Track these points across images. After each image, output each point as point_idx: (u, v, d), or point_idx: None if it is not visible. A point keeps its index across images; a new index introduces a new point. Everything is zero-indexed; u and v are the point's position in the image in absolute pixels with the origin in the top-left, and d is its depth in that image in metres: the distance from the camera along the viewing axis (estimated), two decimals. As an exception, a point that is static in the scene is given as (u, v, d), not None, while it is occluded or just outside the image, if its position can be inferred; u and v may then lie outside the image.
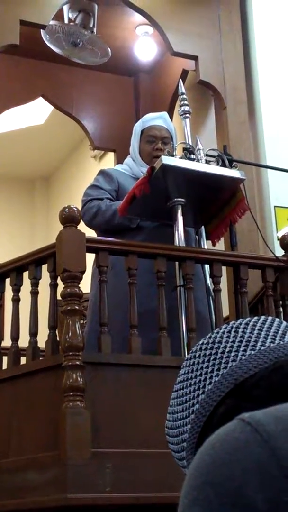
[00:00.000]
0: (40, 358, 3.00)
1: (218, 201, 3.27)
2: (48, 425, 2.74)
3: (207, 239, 3.38)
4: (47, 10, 4.27)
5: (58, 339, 2.91)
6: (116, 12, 4.95)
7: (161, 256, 3.01)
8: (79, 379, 2.61)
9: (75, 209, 2.87)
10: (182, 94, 3.41)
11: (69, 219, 2.83)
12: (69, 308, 2.71)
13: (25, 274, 3.07)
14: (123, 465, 2.63)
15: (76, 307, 2.73)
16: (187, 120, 3.41)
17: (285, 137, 4.54)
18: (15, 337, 3.01)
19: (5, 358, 3.09)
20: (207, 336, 0.72)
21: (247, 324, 0.71)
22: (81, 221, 2.98)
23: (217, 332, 0.72)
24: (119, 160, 4.75)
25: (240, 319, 0.72)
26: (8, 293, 3.10)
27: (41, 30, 4.44)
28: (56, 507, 2.57)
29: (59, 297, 2.87)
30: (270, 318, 0.72)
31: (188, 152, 3.15)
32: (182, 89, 3.43)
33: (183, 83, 3.56)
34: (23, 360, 3.07)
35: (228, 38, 4.63)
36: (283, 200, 4.40)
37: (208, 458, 0.52)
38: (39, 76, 5.34)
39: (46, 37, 4.50)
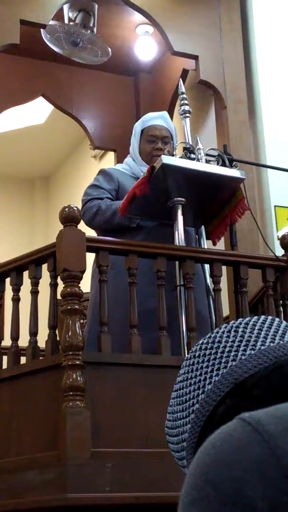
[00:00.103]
0: (40, 358, 3.00)
1: (218, 201, 3.27)
2: (48, 424, 2.74)
3: (207, 238, 3.37)
4: (47, 10, 4.27)
5: (58, 338, 2.91)
6: (116, 12, 4.95)
7: (161, 255, 3.01)
8: (79, 378, 2.61)
9: (75, 208, 2.87)
10: (182, 93, 3.41)
11: (69, 218, 2.83)
12: (69, 307, 2.71)
13: (25, 274, 3.07)
14: (123, 465, 2.63)
15: (76, 306, 2.73)
16: (187, 119, 3.41)
17: (285, 137, 4.54)
18: (15, 336, 3.01)
19: (5, 358, 3.09)
20: (207, 336, 0.72)
21: (247, 323, 0.71)
22: (81, 220, 2.98)
23: (217, 332, 0.72)
24: (119, 159, 4.75)
25: (240, 319, 0.72)
26: (8, 292, 3.10)
27: (41, 30, 4.44)
28: (56, 507, 2.57)
29: (59, 297, 2.87)
30: (270, 317, 0.72)
31: (188, 152, 3.15)
32: (182, 88, 3.43)
33: (183, 83, 3.56)
34: (23, 360, 3.07)
35: (229, 37, 4.62)
36: (283, 200, 4.40)
37: (208, 458, 0.52)
38: (39, 75, 5.34)
39: (46, 37, 4.50)
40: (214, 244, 3.41)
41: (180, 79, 3.76)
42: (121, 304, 3.00)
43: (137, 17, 4.82)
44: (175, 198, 3.14)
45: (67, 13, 4.60)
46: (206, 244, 3.38)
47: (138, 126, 3.49)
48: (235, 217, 3.30)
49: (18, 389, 2.95)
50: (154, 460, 2.64)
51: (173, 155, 3.08)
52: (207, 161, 3.17)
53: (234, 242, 3.47)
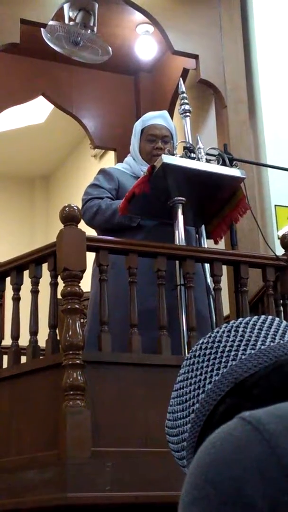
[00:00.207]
0: (40, 357, 3.01)
1: (219, 200, 3.27)
2: (48, 424, 2.74)
3: (207, 238, 3.37)
4: (48, 9, 4.27)
5: (58, 338, 2.91)
6: (117, 11, 4.95)
7: (162, 255, 3.01)
8: (79, 378, 2.61)
9: (75, 208, 2.87)
10: (183, 93, 3.41)
11: (69, 218, 2.83)
12: (69, 307, 2.71)
13: (26, 273, 3.07)
14: (123, 464, 2.63)
15: (77, 306, 2.73)
16: (188, 119, 3.41)
17: (285, 136, 4.54)
18: (15, 336, 3.01)
19: (5, 357, 3.09)
20: (207, 336, 0.72)
21: (247, 323, 0.71)
22: (81, 220, 2.98)
23: (217, 332, 0.72)
24: (120, 159, 4.75)
25: (240, 319, 0.72)
26: (9, 292, 3.10)
27: (42, 29, 4.44)
28: (56, 506, 2.57)
29: (59, 296, 2.87)
30: (270, 317, 0.72)
31: (189, 151, 3.15)
32: (183, 87, 3.43)
33: (184, 82, 3.56)
34: (23, 359, 3.07)
35: (229, 37, 4.62)
36: (283, 199, 4.40)
37: (208, 457, 0.52)
38: (39, 75, 5.34)
39: (46, 36, 4.50)
40: (216, 243, 3.41)
41: (181, 78, 3.76)
42: (121, 304, 3.00)
43: (138, 16, 4.82)
44: (175, 198, 3.14)
45: (67, 12, 4.60)
46: (207, 243, 3.38)
47: (138, 126, 3.49)
48: (237, 217, 3.30)
49: (18, 388, 2.95)
50: (154, 460, 2.64)
51: (173, 155, 3.08)
52: (208, 161, 3.18)
53: (234, 242, 3.47)
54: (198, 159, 3.14)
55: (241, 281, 3.22)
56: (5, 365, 3.08)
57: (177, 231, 3.12)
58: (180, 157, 3.10)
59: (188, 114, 3.41)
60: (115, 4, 4.77)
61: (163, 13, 4.51)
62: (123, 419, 2.76)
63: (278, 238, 3.82)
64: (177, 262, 3.09)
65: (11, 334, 3.03)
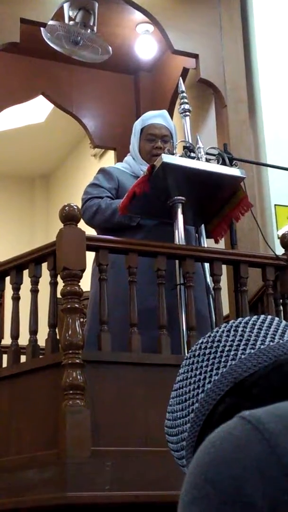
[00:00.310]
0: (40, 356, 3.01)
1: (219, 200, 3.27)
2: (48, 423, 2.74)
3: (207, 237, 3.37)
4: (48, 8, 4.26)
5: (58, 337, 2.91)
6: (117, 10, 4.94)
7: (161, 254, 3.01)
8: (79, 377, 2.61)
9: (75, 207, 2.87)
10: (182, 92, 3.41)
11: (69, 217, 2.83)
12: (69, 306, 2.71)
13: (25, 273, 3.07)
14: (123, 464, 2.63)
15: (76, 305, 2.73)
16: (187, 118, 3.41)
17: (285, 136, 4.54)
18: (15, 335, 3.01)
19: (5, 356, 3.09)
20: (207, 335, 0.72)
21: (246, 323, 0.71)
22: (81, 219, 2.98)
23: (217, 331, 0.72)
24: (119, 158, 4.75)
25: (240, 318, 0.72)
26: (8, 291, 3.10)
27: (42, 28, 4.43)
28: (55, 506, 2.57)
29: (59, 296, 2.87)
30: (269, 317, 0.72)
31: (188, 151, 3.15)
32: (182, 87, 3.43)
33: (184, 82, 3.56)
34: (23, 358, 3.07)
35: (229, 36, 4.62)
36: (283, 199, 4.40)
37: (208, 457, 0.52)
38: (39, 74, 5.34)
39: (46, 36, 4.50)
40: (216, 242, 3.41)
41: (180, 78, 3.76)
42: (121, 303, 3.00)
43: (138, 15, 4.82)
44: (175, 197, 3.14)
45: (67, 12, 4.59)
46: (206, 242, 3.38)
47: (137, 125, 3.49)
48: (238, 215, 3.30)
49: (18, 387, 2.95)
50: (154, 459, 2.64)
51: (173, 154, 3.08)
52: (207, 160, 3.17)
53: (234, 241, 3.47)
54: (198, 159, 3.14)
55: (241, 280, 3.22)
56: (4, 364, 3.08)
57: (177, 231, 3.12)
58: (180, 156, 3.10)
59: (188, 113, 3.41)
60: (115, 3, 4.77)
61: (163, 13, 4.51)
62: (122, 418, 2.76)
63: (278, 238, 3.82)
64: (177, 261, 3.09)
65: (10, 333, 3.03)
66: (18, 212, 8.07)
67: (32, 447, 2.78)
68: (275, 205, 4.38)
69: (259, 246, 4.08)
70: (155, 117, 3.48)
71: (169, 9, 4.53)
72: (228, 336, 0.70)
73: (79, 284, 2.77)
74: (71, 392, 2.60)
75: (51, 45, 4.57)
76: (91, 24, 4.60)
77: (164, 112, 3.56)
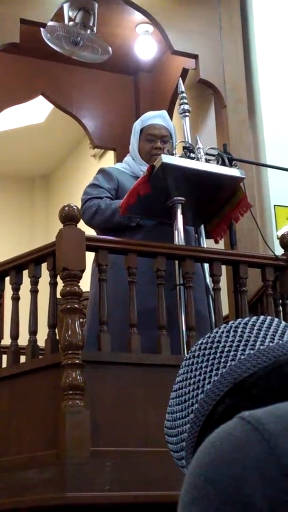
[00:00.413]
0: (40, 357, 3.01)
1: (218, 200, 3.27)
2: (48, 423, 2.74)
3: (206, 237, 3.38)
4: (47, 9, 4.26)
5: (57, 337, 2.91)
6: (117, 11, 4.95)
7: (161, 254, 3.01)
8: (78, 377, 2.61)
9: (75, 207, 2.87)
10: (182, 92, 3.41)
11: (68, 217, 2.83)
12: (68, 306, 2.71)
13: (25, 273, 3.07)
14: (122, 464, 2.63)
15: (76, 305, 2.73)
16: (187, 118, 3.41)
17: (285, 136, 4.54)
18: (14, 335, 3.01)
19: (4, 357, 3.09)
20: (206, 336, 0.72)
21: (246, 323, 0.71)
22: (81, 219, 2.97)
23: (216, 332, 0.72)
24: (119, 158, 4.75)
25: (239, 319, 0.72)
26: (8, 291, 3.10)
27: (41, 29, 4.44)
28: (55, 506, 2.57)
29: (58, 296, 2.87)
30: (269, 317, 0.72)
31: (188, 151, 3.15)
32: (182, 87, 3.43)
33: (183, 82, 3.56)
34: (22, 359, 3.07)
35: (229, 36, 4.62)
36: (283, 199, 4.40)
37: (208, 457, 0.52)
38: (39, 74, 5.34)
39: (46, 36, 4.50)
40: (216, 242, 3.41)
41: (180, 78, 3.76)
42: (120, 303, 3.00)
43: (137, 16, 4.82)
44: (175, 197, 3.14)
45: (67, 12, 4.60)
46: (206, 243, 3.38)
47: (137, 125, 3.49)
48: (237, 216, 3.30)
49: (17, 388, 2.95)
50: (154, 459, 2.64)
51: (172, 154, 3.08)
52: (207, 160, 3.18)
53: (233, 242, 3.47)
54: (198, 159, 3.14)
55: (240, 281, 3.22)
56: (4, 365, 3.08)
57: (176, 231, 3.12)
58: (179, 157, 3.10)
59: (187, 114, 3.41)
60: (115, 4, 4.77)
61: (163, 13, 4.51)
62: (122, 418, 2.76)
63: (278, 238, 3.83)
64: (176, 262, 3.09)
65: (10, 333, 3.03)
66: (18, 212, 8.07)
67: (31, 447, 2.78)
68: (275, 205, 4.38)
69: (258, 247, 4.08)
70: (155, 117, 3.48)
71: (168, 10, 4.53)
72: (227, 336, 0.70)
73: (79, 284, 2.77)
74: (70, 392, 2.60)
75: (51, 45, 4.57)
76: (91, 24, 4.60)
77: (164, 112, 3.56)
